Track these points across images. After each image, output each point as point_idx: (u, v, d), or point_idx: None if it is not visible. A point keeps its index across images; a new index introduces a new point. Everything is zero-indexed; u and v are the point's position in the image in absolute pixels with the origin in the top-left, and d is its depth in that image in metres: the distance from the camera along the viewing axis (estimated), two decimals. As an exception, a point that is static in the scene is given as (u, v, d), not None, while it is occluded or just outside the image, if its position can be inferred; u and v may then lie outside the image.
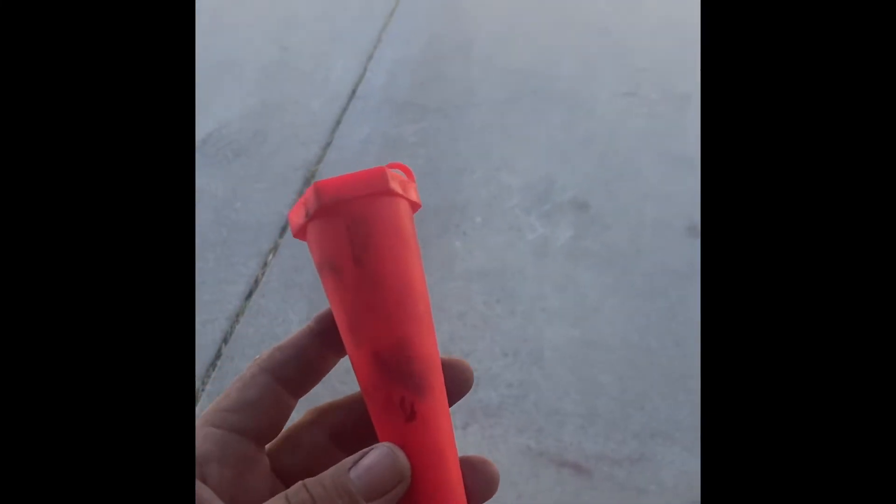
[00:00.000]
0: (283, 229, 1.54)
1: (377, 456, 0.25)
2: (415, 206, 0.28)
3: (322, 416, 0.29)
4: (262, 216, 1.57)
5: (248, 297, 1.39)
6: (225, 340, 1.30)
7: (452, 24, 2.32)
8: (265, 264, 1.46)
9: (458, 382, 0.28)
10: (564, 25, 2.27)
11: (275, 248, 1.50)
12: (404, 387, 0.26)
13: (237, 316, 1.35)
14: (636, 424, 1.15)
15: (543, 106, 1.91)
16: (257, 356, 0.28)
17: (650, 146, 1.74)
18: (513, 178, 1.65)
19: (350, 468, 0.25)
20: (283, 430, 0.29)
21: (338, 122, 1.86)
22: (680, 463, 1.09)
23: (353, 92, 1.97)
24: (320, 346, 0.28)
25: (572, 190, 1.61)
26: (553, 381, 1.22)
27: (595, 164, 1.69)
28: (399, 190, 0.27)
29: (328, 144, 1.79)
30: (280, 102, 1.95)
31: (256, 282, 1.42)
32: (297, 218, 0.27)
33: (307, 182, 1.67)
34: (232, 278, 1.42)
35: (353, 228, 0.26)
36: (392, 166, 0.28)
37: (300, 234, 0.28)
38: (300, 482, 0.24)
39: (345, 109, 1.91)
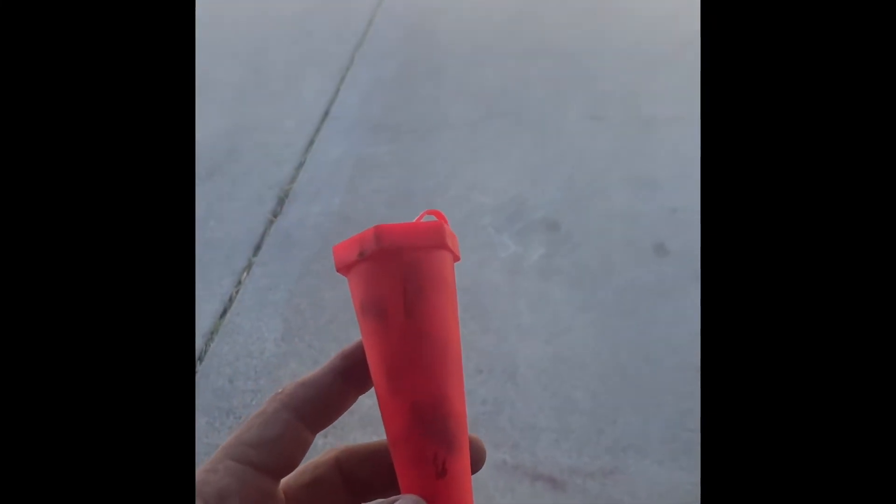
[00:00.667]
0: (257, 248, 1.54)
1: None
2: (455, 259, 0.29)
3: (344, 459, 0.30)
4: (236, 235, 1.57)
5: (223, 315, 1.38)
6: (199, 358, 1.29)
7: (424, 48, 2.36)
8: (239, 283, 1.46)
9: (472, 458, 0.28)
10: (533, 51, 2.33)
11: (249, 267, 1.50)
12: (439, 443, 0.26)
13: (212, 334, 1.34)
14: (609, 438, 1.18)
15: (513, 128, 1.95)
16: (279, 390, 0.28)
17: (617, 167, 1.79)
18: (485, 197, 1.69)
19: None
20: (305, 465, 0.29)
21: (311, 142, 1.87)
22: (652, 475, 1.12)
23: (327, 112, 1.99)
24: (343, 384, 0.28)
25: (543, 209, 1.65)
26: (527, 397, 1.24)
27: (564, 185, 1.74)
28: (451, 245, 0.28)
29: (301, 164, 1.80)
30: (253, 122, 1.96)
31: (231, 300, 1.42)
32: (348, 255, 0.27)
33: (281, 201, 1.68)
34: (206, 297, 1.41)
35: (408, 277, 0.26)
36: (429, 213, 0.29)
37: (345, 270, 0.28)
38: None
39: (318, 129, 1.92)
